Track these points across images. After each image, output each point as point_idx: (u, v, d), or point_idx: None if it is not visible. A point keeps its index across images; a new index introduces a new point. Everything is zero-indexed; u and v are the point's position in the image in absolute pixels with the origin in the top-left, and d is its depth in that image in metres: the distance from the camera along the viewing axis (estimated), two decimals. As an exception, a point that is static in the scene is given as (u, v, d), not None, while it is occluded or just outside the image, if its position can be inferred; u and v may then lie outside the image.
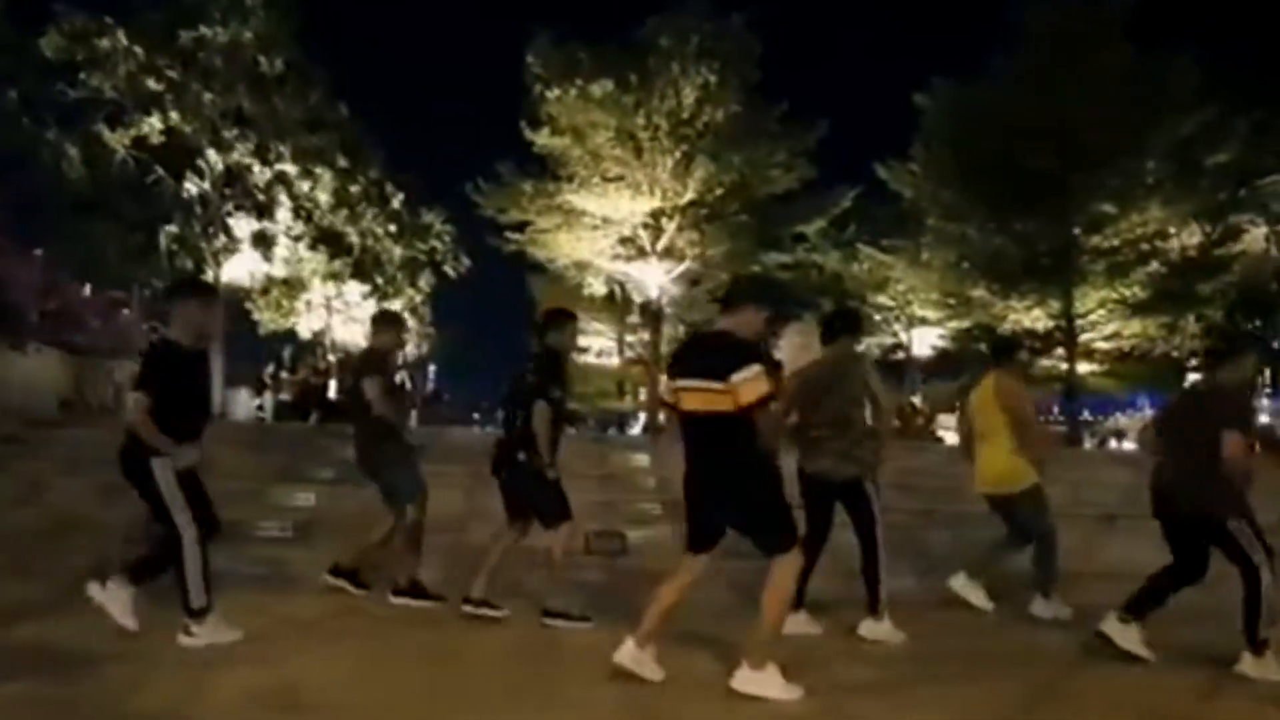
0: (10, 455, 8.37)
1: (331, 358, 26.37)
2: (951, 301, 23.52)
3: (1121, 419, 33.42)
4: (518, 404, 4.34)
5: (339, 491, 7.20)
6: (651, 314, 24.51)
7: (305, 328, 25.60)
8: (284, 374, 27.31)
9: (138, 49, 18.93)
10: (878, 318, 27.73)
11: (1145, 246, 21.10)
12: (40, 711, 3.00)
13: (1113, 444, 28.32)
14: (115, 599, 3.76)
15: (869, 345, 28.52)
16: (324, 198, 22.06)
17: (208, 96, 19.64)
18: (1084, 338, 21.74)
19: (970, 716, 3.29)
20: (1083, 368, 22.20)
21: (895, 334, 28.56)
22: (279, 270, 22.22)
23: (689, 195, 22.78)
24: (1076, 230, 21.12)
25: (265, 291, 22.87)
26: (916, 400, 27.37)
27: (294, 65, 20.64)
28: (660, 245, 23.23)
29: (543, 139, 22.73)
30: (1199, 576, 4.01)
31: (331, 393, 22.56)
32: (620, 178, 22.58)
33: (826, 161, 24.16)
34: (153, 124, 19.36)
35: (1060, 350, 21.99)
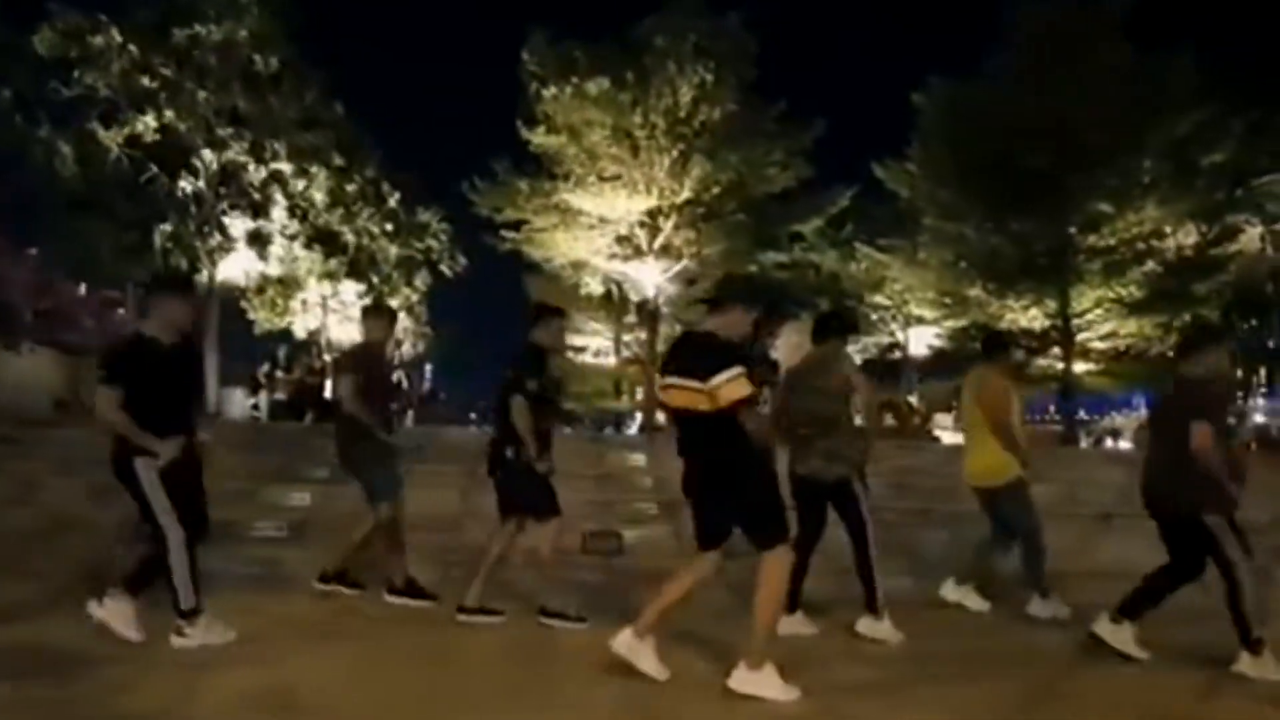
0: (4, 455, 8.32)
1: (327, 357, 26.29)
2: (948, 301, 23.55)
3: (1117, 418, 33.49)
4: (500, 401, 4.36)
5: (334, 491, 7.17)
6: (648, 313, 24.50)
7: (301, 327, 25.55)
8: (279, 373, 27.22)
9: (132, 47, 18.85)
10: (874, 317, 27.75)
11: (1141, 246, 21.14)
12: (34, 713, 2.98)
13: (1108, 443, 28.39)
14: (117, 614, 3.73)
15: (866, 344, 28.58)
16: (319, 197, 22.00)
17: (202, 95, 19.57)
18: (1080, 337, 21.78)
19: (968, 717, 3.28)
20: (1079, 367, 22.24)
21: (892, 333, 28.59)
22: (274, 269, 22.16)
23: (686, 194, 22.76)
24: (1073, 230, 21.16)
25: (260, 291, 22.82)
26: (913, 399, 27.39)
27: (289, 64, 20.57)
28: (657, 244, 23.21)
29: (539, 138, 22.70)
30: (1195, 575, 3.99)
31: (327, 392, 22.50)
32: (617, 176, 22.56)
33: (823, 161, 24.19)
34: (147, 122, 19.28)
35: (1056, 349, 22.03)
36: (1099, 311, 21.43)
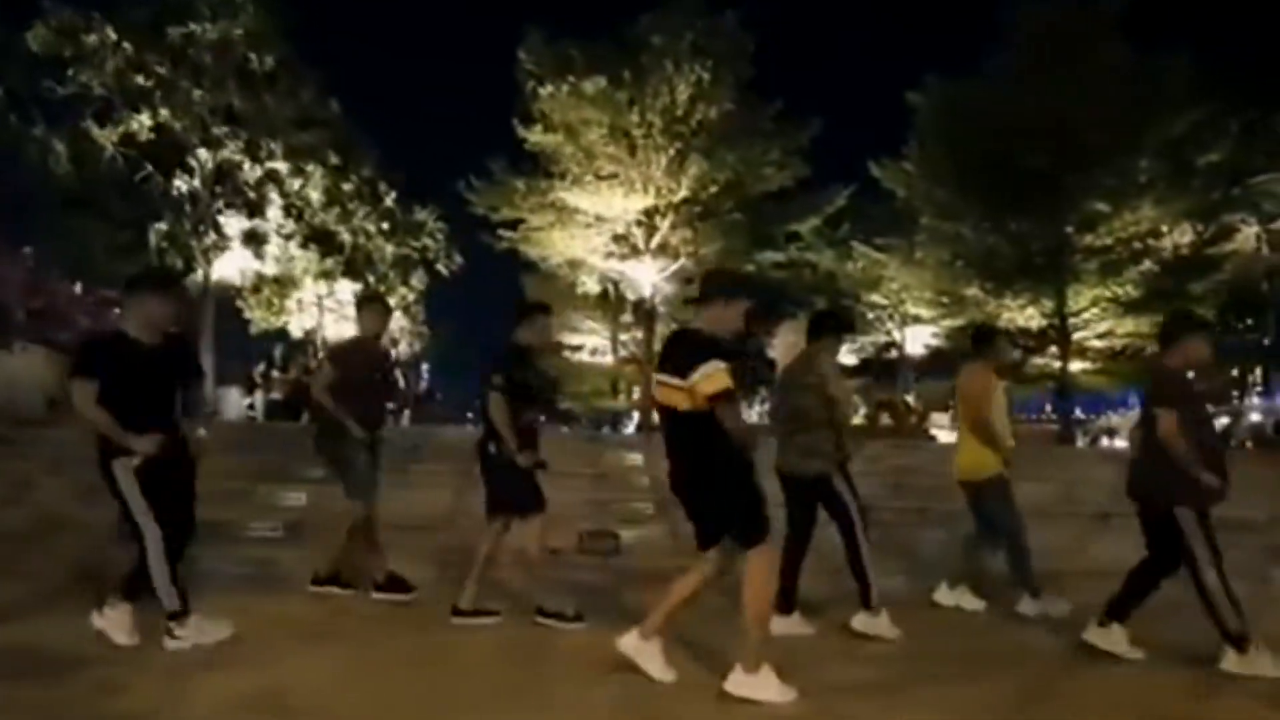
0: (-3, 455, 8.28)
1: (323, 356, 26.24)
2: (945, 300, 23.57)
3: (1114, 417, 33.55)
4: (482, 399, 4.37)
5: (330, 491, 7.09)
6: (645, 312, 24.48)
7: (297, 326, 25.50)
8: (275, 373, 27.19)
9: (126, 45, 18.79)
10: (871, 316, 27.77)
11: (1138, 245, 21.18)
12: (26, 714, 2.96)
13: (1105, 442, 28.45)
14: (116, 623, 3.68)
15: (863, 344, 28.59)
16: (315, 195, 21.97)
17: (197, 93, 19.53)
18: (1077, 336, 21.82)
19: (966, 717, 3.27)
20: (1075, 366, 22.28)
21: (889, 332, 28.59)
22: (270, 268, 22.13)
23: (682, 193, 22.75)
24: (1070, 229, 21.19)
25: (256, 290, 22.77)
26: (910, 399, 27.42)
27: (285, 62, 20.54)
28: (654, 243, 23.19)
29: (535, 136, 22.66)
30: (1174, 568, 3.97)
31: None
32: (613, 175, 22.54)
33: (820, 160, 24.18)
34: (142, 121, 19.24)
35: (1053, 348, 22.06)
36: (1095, 311, 21.47)
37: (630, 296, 25.30)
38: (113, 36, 18.63)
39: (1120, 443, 25.77)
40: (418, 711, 3.16)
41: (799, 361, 4.54)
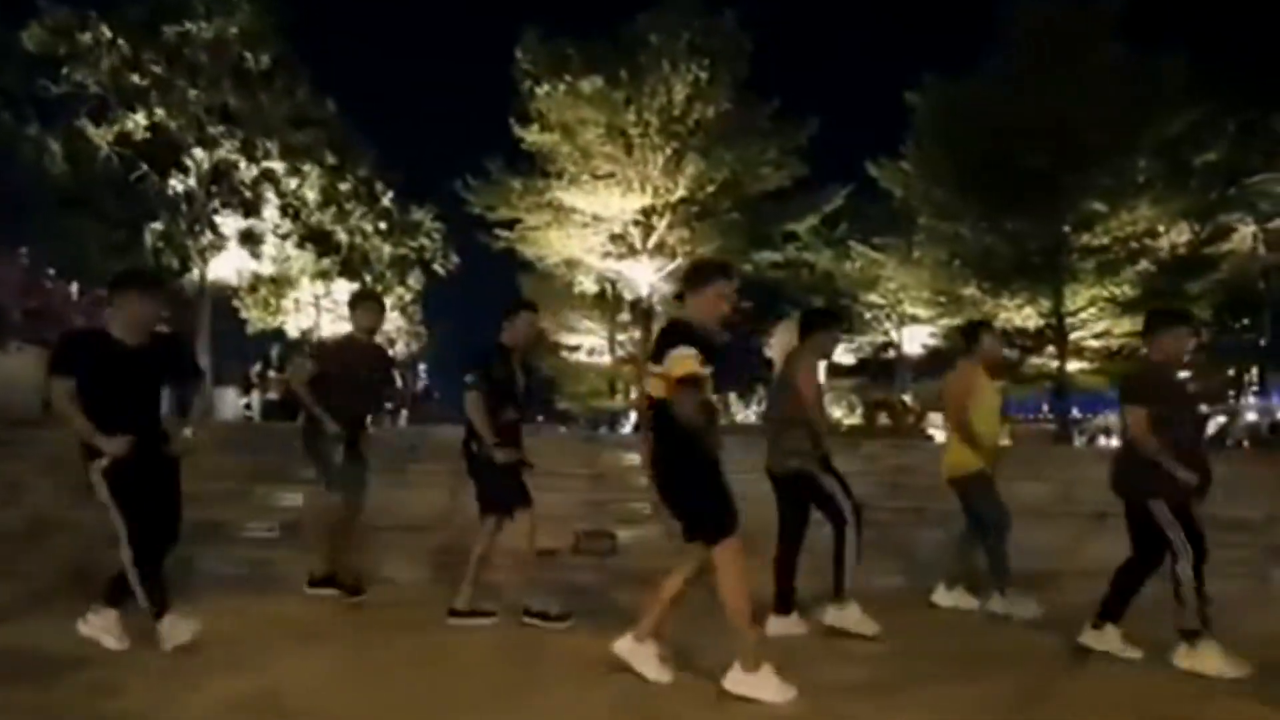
0: (-9, 455, 8.23)
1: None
2: (942, 300, 23.57)
3: (1111, 417, 33.53)
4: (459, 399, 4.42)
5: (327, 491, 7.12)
6: (642, 312, 24.46)
7: (293, 326, 25.43)
8: (272, 373, 27.12)
9: (122, 44, 18.73)
10: (869, 316, 27.77)
11: (1135, 245, 21.20)
12: (18, 716, 2.94)
13: (1102, 441, 28.48)
14: (102, 628, 3.65)
15: (861, 343, 28.59)
16: (312, 195, 21.92)
17: (193, 92, 19.47)
18: (1074, 336, 21.84)
19: (965, 717, 3.26)
20: (1072, 365, 22.30)
21: (886, 332, 28.60)
22: (266, 268, 22.07)
23: (680, 192, 22.74)
24: (1067, 228, 21.20)
25: (253, 290, 22.71)
26: (907, 398, 27.43)
27: (281, 61, 20.48)
28: (651, 243, 23.18)
29: (532, 136, 22.64)
30: (1159, 562, 3.98)
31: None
32: (610, 175, 22.53)
33: (818, 159, 24.19)
34: (137, 120, 19.18)
35: (1050, 348, 22.08)
36: (1093, 310, 21.49)
37: (628, 296, 25.28)
38: (108, 35, 18.58)
39: (1117, 442, 25.79)
40: (415, 713, 3.14)
41: (787, 361, 4.60)
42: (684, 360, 3.24)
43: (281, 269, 22.41)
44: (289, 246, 22.02)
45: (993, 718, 3.27)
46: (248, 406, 26.58)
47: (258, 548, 6.16)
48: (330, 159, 22.18)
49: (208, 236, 20.54)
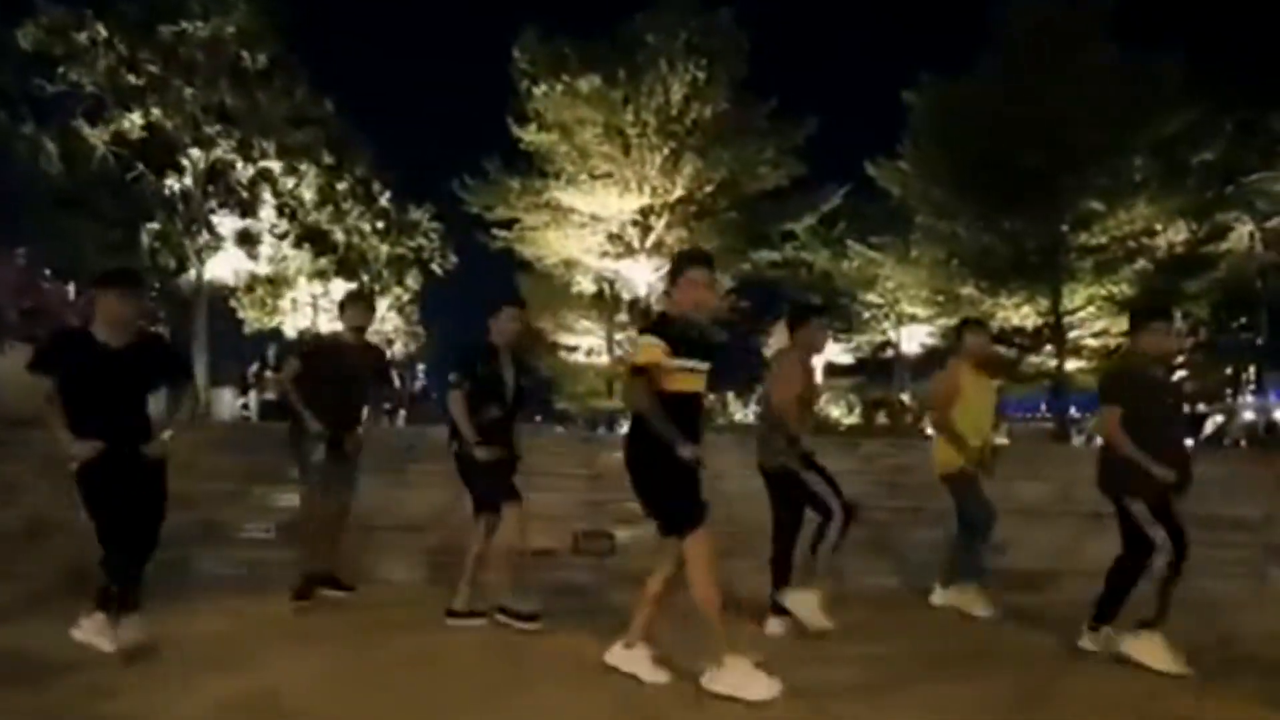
0: (-13, 456, 8.19)
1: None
2: (940, 299, 23.56)
3: (1108, 416, 33.59)
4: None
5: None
6: (640, 311, 24.41)
7: (291, 326, 25.36)
8: (269, 373, 27.06)
9: (118, 43, 18.67)
10: (867, 315, 27.77)
11: (1132, 244, 21.20)
12: (13, 718, 2.93)
13: (1099, 440, 28.50)
14: (95, 631, 3.64)
15: (859, 343, 28.58)
16: (309, 195, 21.84)
17: (189, 92, 19.38)
18: (1072, 335, 21.84)
19: (964, 717, 3.25)
20: (1071, 365, 22.30)
21: (884, 331, 28.60)
22: (263, 268, 21.99)
23: (678, 192, 22.72)
24: (1064, 228, 21.20)
25: (250, 290, 22.64)
26: (905, 398, 27.45)
27: (277, 60, 20.40)
28: (649, 242, 23.16)
29: (530, 135, 22.61)
30: (1147, 558, 3.99)
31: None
32: (608, 174, 22.50)
33: (816, 159, 24.17)
34: (133, 119, 19.10)
35: (1049, 347, 22.08)
36: (1090, 309, 21.49)
37: (626, 296, 25.25)
38: (104, 34, 18.50)
39: (1098, 441, 25.79)
40: (412, 713, 3.13)
41: (775, 360, 4.68)
42: (645, 348, 3.26)
43: (278, 269, 22.34)
44: (286, 246, 21.94)
45: (992, 718, 3.26)
46: (245, 407, 26.53)
47: (254, 548, 6.14)
48: (327, 158, 22.11)
49: (204, 236, 20.46)
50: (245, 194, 20.84)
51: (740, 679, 3.18)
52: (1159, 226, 21.43)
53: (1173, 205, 20.98)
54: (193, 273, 20.18)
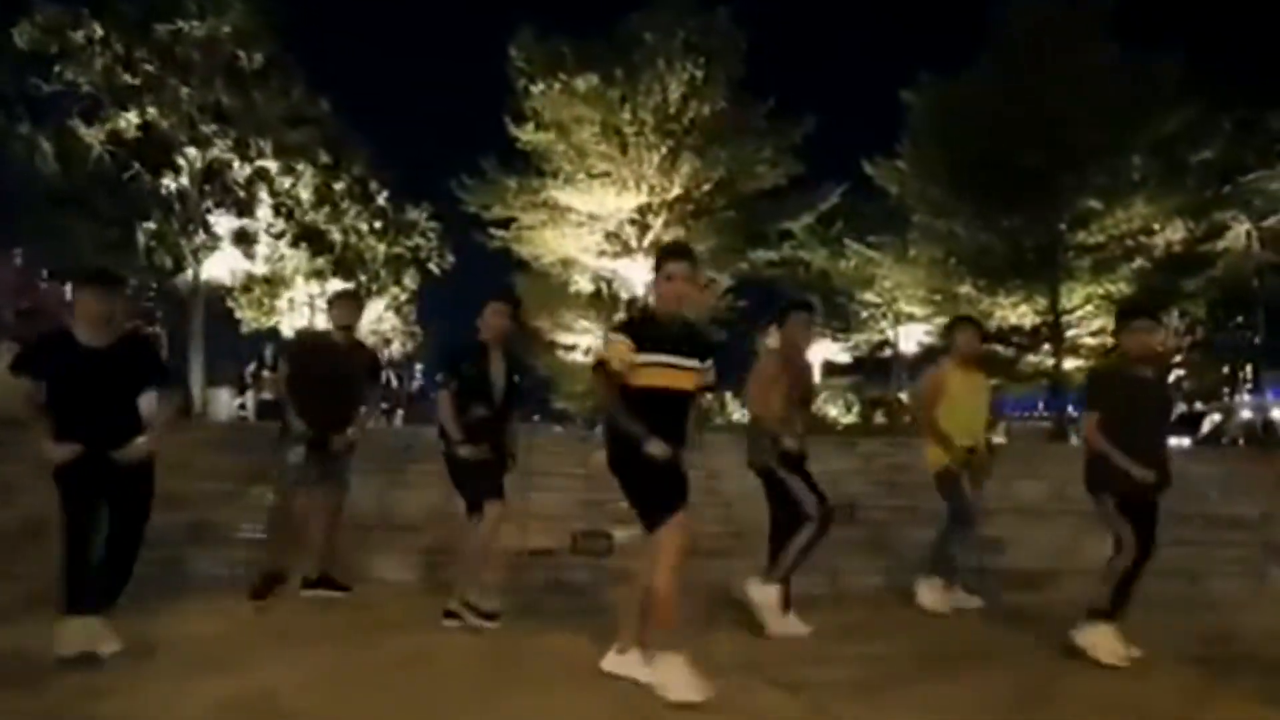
0: (-17, 456, 8.16)
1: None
2: (938, 298, 23.55)
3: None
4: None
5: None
6: (638, 310, 24.41)
7: (288, 326, 25.30)
8: (266, 373, 27.02)
9: (114, 42, 18.60)
10: (865, 314, 27.77)
11: (1130, 243, 21.20)
12: (9, 719, 2.91)
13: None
14: (89, 634, 3.58)
15: (857, 342, 28.59)
16: (306, 194, 21.78)
17: (185, 91, 19.31)
18: (1070, 334, 21.84)
19: (963, 717, 3.24)
20: (1069, 364, 22.30)
21: (882, 330, 28.61)
22: (260, 268, 21.93)
23: (675, 191, 22.68)
24: (1063, 227, 21.20)
25: (247, 289, 22.58)
26: (903, 397, 27.43)
27: (274, 59, 20.34)
28: (646, 242, 23.11)
29: (527, 134, 22.57)
30: (1145, 556, 3.99)
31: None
32: (606, 174, 22.46)
33: (814, 158, 24.09)
34: (129, 119, 19.03)
35: (1046, 346, 22.10)
36: (1088, 308, 21.49)
37: (623, 295, 25.22)
38: (100, 33, 18.43)
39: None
40: (411, 713, 3.12)
41: (761, 359, 4.74)
42: (608, 345, 3.30)
43: (275, 268, 22.28)
44: (283, 246, 21.88)
45: (992, 718, 3.25)
46: (242, 407, 26.48)
47: (251, 549, 6.11)
48: (324, 158, 22.04)
49: (201, 236, 20.39)
50: (242, 193, 20.78)
51: (668, 675, 3.14)
52: (1157, 225, 21.44)
53: (1171, 204, 20.99)
54: (189, 272, 20.12)
